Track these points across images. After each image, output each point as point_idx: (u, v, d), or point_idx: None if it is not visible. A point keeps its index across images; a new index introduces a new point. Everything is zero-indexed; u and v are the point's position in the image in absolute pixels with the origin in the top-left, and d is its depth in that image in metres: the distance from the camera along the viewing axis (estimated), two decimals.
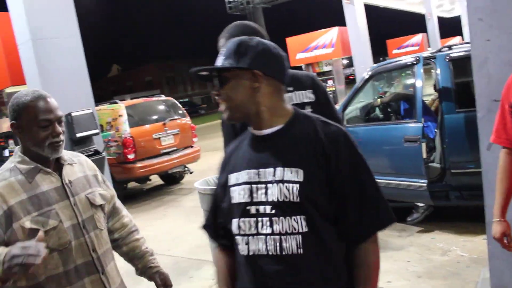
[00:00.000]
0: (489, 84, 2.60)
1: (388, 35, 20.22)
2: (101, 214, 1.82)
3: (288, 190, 1.33)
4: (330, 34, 14.16)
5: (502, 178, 2.07)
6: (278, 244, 1.34)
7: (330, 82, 13.93)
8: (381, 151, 4.99)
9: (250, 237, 1.38)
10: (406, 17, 28.41)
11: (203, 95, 63.59)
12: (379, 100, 5.95)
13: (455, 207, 5.05)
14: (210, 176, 4.63)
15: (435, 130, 5.16)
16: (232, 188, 1.43)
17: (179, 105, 9.65)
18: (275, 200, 1.34)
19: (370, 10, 15.91)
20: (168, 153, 8.70)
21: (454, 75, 4.63)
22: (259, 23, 38.85)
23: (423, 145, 4.75)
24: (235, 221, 1.41)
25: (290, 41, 14.99)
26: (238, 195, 1.40)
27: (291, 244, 1.33)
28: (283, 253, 1.33)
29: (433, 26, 18.38)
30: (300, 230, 1.33)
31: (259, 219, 1.36)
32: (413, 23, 29.09)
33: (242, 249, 1.40)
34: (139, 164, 8.23)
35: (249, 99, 1.39)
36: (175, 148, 8.86)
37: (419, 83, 4.78)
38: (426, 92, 7.33)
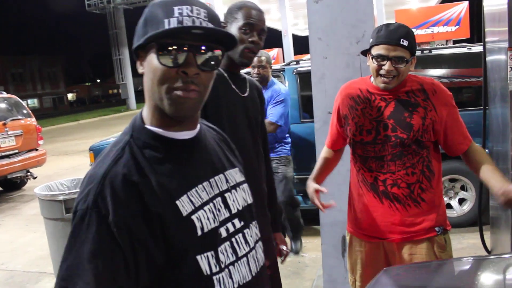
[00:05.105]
0: (325, 98, 2.84)
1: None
2: None
3: (245, 192, 1.19)
4: None
5: (321, 157, 2.33)
6: (256, 258, 1.15)
7: None
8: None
9: (231, 267, 1.06)
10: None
11: (54, 95, 58.97)
12: None
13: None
14: (54, 181, 4.33)
15: None
16: (194, 216, 1.01)
17: (24, 104, 8.86)
18: (240, 208, 1.14)
19: None
20: (8, 156, 7.91)
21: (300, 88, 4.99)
22: (120, 24, 37.47)
23: None
24: (207, 256, 1.01)
25: None
26: (208, 221, 1.03)
27: (260, 253, 1.18)
28: (260, 265, 1.16)
29: (288, 42, 19.89)
30: (259, 235, 1.20)
31: (233, 239, 1.09)
32: (271, 38, 32.13)
33: (226, 287, 1.05)
34: None
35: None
36: (16, 151, 8.10)
37: None
38: None
